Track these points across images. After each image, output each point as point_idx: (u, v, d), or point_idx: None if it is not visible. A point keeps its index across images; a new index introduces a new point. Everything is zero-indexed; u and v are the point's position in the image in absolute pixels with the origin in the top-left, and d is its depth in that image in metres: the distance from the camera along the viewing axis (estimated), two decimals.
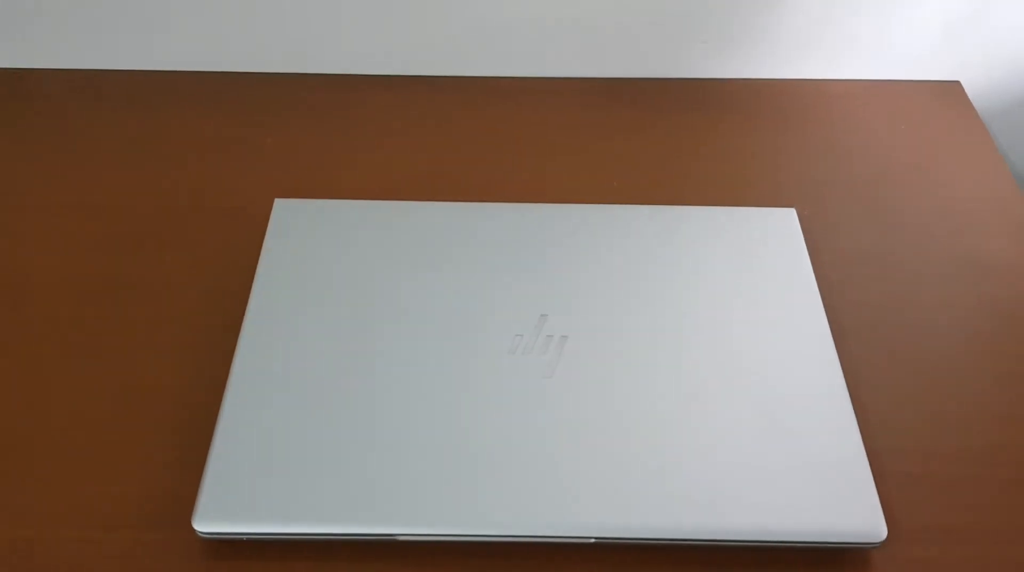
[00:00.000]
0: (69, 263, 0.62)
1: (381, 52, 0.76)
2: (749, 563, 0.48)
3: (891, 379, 0.56)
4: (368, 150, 0.71)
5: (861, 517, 0.47)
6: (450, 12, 0.73)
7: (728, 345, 0.54)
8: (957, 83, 0.78)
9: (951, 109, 0.76)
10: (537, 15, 0.73)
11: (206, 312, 0.59)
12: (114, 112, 0.74)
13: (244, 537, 0.47)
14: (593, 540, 0.47)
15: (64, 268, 0.61)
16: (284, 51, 0.76)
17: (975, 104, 0.77)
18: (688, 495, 0.47)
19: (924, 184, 0.69)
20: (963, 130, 0.74)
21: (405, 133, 0.73)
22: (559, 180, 0.69)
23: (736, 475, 0.48)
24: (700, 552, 0.48)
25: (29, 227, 0.64)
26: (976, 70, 0.78)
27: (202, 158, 0.70)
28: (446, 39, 0.75)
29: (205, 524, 0.46)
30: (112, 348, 0.57)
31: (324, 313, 0.55)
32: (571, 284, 0.57)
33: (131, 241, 0.63)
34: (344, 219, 0.60)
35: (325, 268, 0.57)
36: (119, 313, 0.59)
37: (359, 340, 0.53)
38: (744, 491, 0.47)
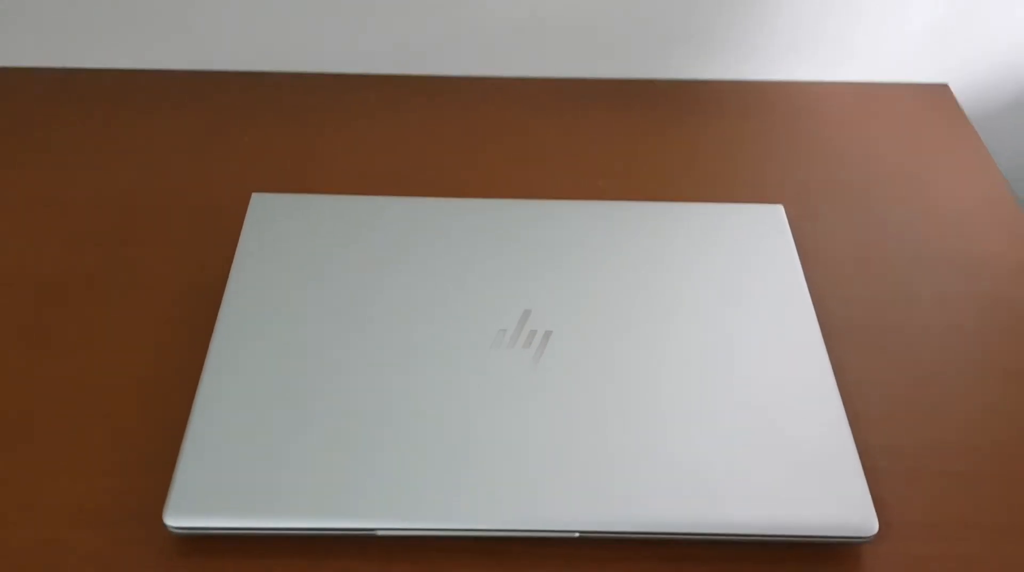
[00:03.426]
0: (45, 259, 0.61)
1: (360, 51, 0.76)
2: (737, 558, 0.46)
3: (881, 377, 0.56)
4: (346, 149, 0.70)
5: (851, 511, 0.46)
6: (432, 11, 0.73)
7: (715, 340, 0.53)
8: (945, 86, 0.78)
9: (939, 111, 0.76)
10: (522, 15, 0.73)
11: (182, 307, 0.58)
12: (88, 110, 0.73)
13: (215, 532, 0.45)
14: (578, 534, 0.45)
15: (40, 264, 0.60)
16: (260, 49, 0.76)
17: (963, 106, 0.77)
18: (674, 490, 0.46)
19: (912, 185, 0.69)
20: (951, 132, 0.74)
21: (384, 132, 0.72)
22: (543, 180, 0.68)
23: (722, 470, 0.47)
24: (686, 547, 0.47)
25: (4, 224, 0.63)
26: (964, 73, 0.78)
27: (178, 155, 0.69)
28: (427, 38, 0.75)
29: (176, 519, 0.45)
30: (85, 343, 0.56)
31: (300, 307, 0.54)
32: (555, 279, 0.56)
33: (106, 238, 0.62)
34: (322, 214, 0.59)
35: (302, 263, 0.56)
36: (93, 309, 0.58)
37: (336, 335, 0.52)
38: (730, 486, 0.46)
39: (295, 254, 0.57)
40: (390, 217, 0.59)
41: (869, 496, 0.46)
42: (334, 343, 0.52)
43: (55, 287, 0.59)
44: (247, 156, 0.69)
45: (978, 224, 0.66)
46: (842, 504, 0.46)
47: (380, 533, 0.45)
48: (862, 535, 0.45)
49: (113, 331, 0.56)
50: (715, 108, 0.75)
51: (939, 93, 0.77)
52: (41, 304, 0.58)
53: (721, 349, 0.52)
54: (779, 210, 0.61)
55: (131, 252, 0.61)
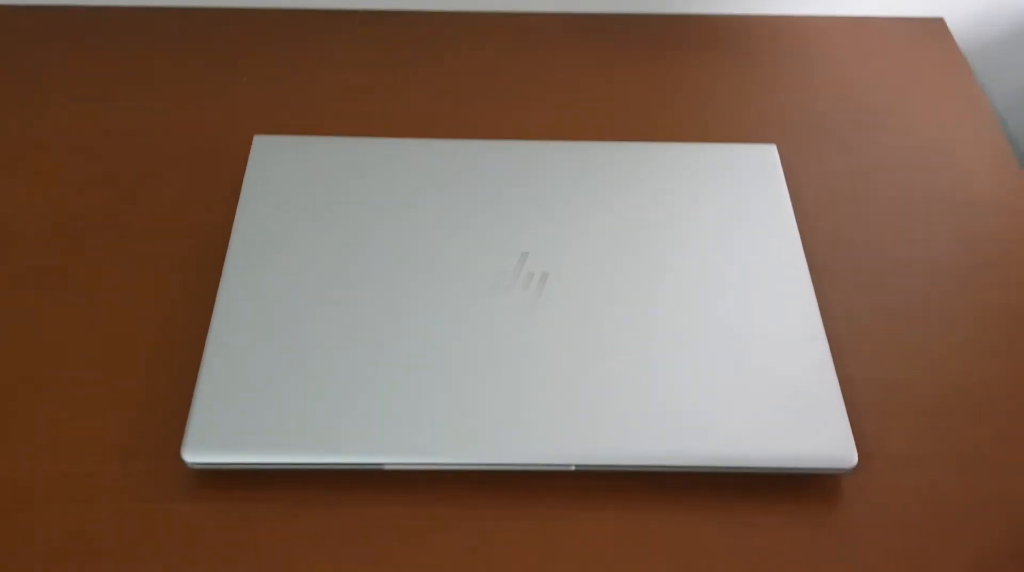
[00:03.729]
0: (49, 203, 0.62)
1: None
2: (724, 488, 0.49)
3: (868, 314, 0.58)
4: (344, 88, 0.71)
5: (833, 445, 0.48)
6: None
7: (706, 279, 0.55)
8: (940, 20, 0.78)
9: (934, 46, 0.76)
10: None
11: (188, 249, 0.59)
12: (86, 49, 0.73)
13: (230, 467, 0.48)
14: (574, 467, 0.48)
15: (44, 208, 0.62)
16: None
17: (958, 40, 0.77)
18: (664, 425, 0.48)
19: (903, 122, 0.70)
20: (945, 68, 0.74)
21: (383, 70, 0.72)
22: (540, 117, 0.69)
23: (711, 405, 0.49)
24: (675, 478, 0.49)
25: (3, 168, 0.64)
26: (959, 6, 0.77)
27: (177, 96, 0.70)
28: None
29: (193, 455, 0.47)
30: (98, 285, 0.57)
31: (304, 249, 0.55)
32: (553, 221, 0.57)
33: (110, 181, 0.63)
34: (323, 156, 0.60)
35: (305, 204, 0.58)
36: (101, 252, 0.59)
37: (340, 275, 0.54)
38: (718, 420, 0.49)
39: (298, 196, 0.58)
40: (389, 159, 0.60)
41: (850, 430, 0.49)
42: (339, 283, 0.54)
43: (67, 230, 0.60)
44: (247, 96, 0.70)
45: (966, 162, 0.67)
46: (824, 438, 0.49)
47: (387, 467, 0.48)
48: (842, 467, 0.48)
49: (124, 273, 0.58)
50: (709, 43, 0.75)
51: (934, 27, 0.77)
52: (53, 247, 0.59)
53: (712, 288, 0.54)
54: (772, 150, 0.62)
55: (138, 195, 0.62)
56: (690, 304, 0.53)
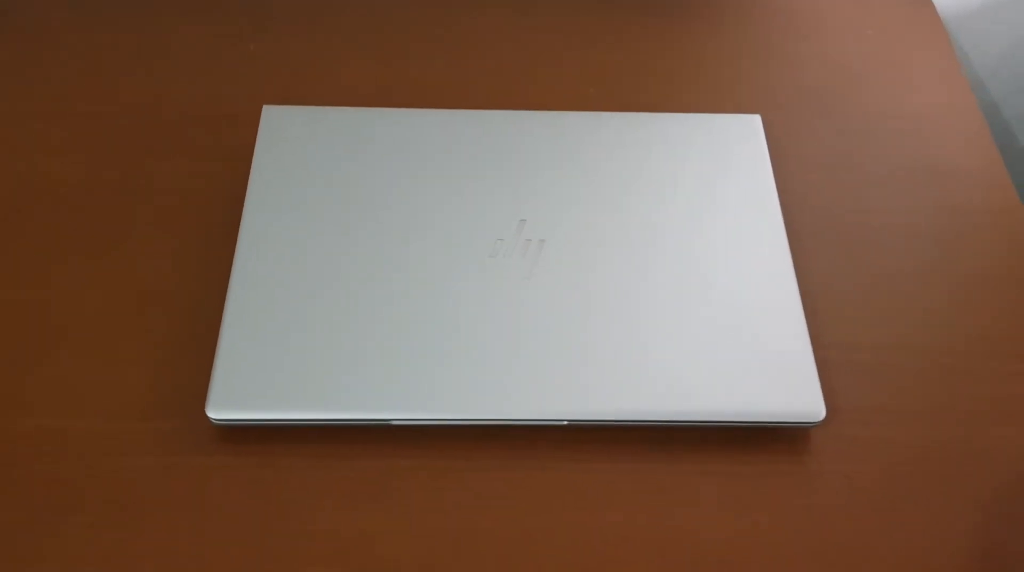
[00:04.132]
0: (69, 169, 0.64)
1: None
2: (702, 440, 0.54)
3: (844, 280, 0.61)
4: (341, 56, 0.73)
5: (803, 401, 0.53)
6: None
7: (690, 246, 0.58)
8: None
9: (914, 14, 0.78)
10: None
11: (203, 217, 0.62)
12: (96, 18, 0.75)
13: (249, 423, 0.52)
14: (566, 422, 0.52)
15: (65, 174, 0.64)
16: None
17: (939, 9, 0.79)
18: (648, 383, 0.53)
19: (883, 90, 0.72)
20: (926, 36, 0.76)
21: (381, 38, 0.74)
22: (539, 87, 0.72)
23: (691, 364, 0.53)
24: (660, 432, 0.54)
25: (18, 135, 0.67)
26: None
27: (184, 64, 0.72)
28: None
29: (217, 411, 0.51)
30: (113, 251, 0.60)
31: (316, 216, 0.58)
32: (548, 190, 0.61)
33: (125, 148, 0.66)
34: (330, 125, 0.63)
35: (314, 171, 0.61)
36: (119, 218, 0.62)
37: (350, 242, 0.57)
38: (698, 378, 0.53)
39: (306, 163, 0.61)
40: (394, 128, 0.63)
41: (819, 387, 0.53)
42: (347, 250, 0.57)
43: (88, 196, 0.63)
44: (257, 64, 0.72)
45: (940, 131, 0.70)
46: (795, 394, 0.53)
47: (394, 423, 0.52)
48: (810, 421, 0.53)
49: (141, 239, 0.61)
50: (698, 10, 0.78)
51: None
52: (69, 213, 0.62)
53: (695, 254, 0.58)
54: (756, 120, 0.65)
55: (151, 163, 0.65)
56: (674, 270, 0.57)
